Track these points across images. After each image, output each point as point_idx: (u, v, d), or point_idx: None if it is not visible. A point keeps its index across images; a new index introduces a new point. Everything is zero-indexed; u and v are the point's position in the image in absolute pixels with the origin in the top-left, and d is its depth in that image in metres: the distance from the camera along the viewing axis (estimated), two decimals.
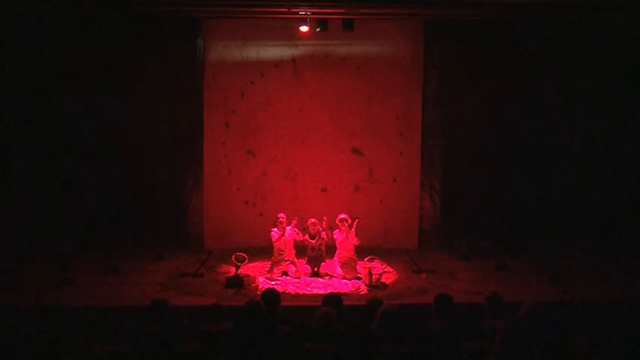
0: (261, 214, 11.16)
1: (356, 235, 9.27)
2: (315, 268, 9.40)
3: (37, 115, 10.76)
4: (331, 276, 9.29)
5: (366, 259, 9.24)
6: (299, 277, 9.18)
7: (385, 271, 9.26)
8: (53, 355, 4.86)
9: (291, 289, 8.73)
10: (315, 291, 8.69)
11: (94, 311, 7.32)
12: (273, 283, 8.95)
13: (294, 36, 10.67)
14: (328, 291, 7.85)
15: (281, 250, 9.35)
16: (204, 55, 10.97)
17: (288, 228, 9.40)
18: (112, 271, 9.43)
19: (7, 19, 9.81)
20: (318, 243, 9.35)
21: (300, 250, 9.60)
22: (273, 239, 9.37)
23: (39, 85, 10.70)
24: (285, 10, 9.32)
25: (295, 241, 9.46)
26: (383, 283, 9.02)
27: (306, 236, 9.41)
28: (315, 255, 9.39)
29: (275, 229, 9.43)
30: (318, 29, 10.00)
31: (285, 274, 9.30)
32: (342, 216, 9.30)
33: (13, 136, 10.76)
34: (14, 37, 10.37)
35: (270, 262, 9.57)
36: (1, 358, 4.94)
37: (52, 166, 10.77)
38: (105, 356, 4.95)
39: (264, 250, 10.20)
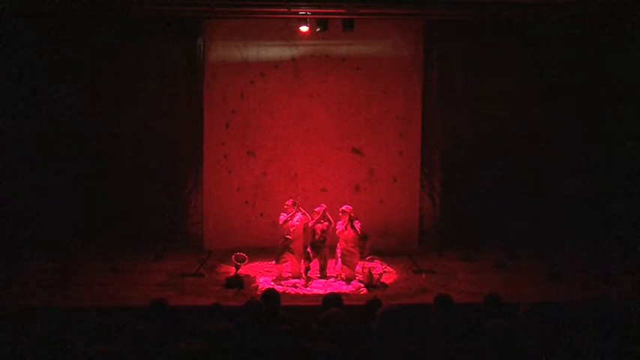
0: (261, 214, 11.16)
1: (356, 229, 9.09)
2: (316, 259, 9.32)
3: (38, 116, 10.76)
4: (335, 277, 9.25)
5: (366, 259, 9.23)
6: (298, 278, 9.15)
7: (385, 271, 9.26)
8: (53, 355, 4.86)
9: (291, 290, 8.74)
10: (315, 291, 8.69)
11: (94, 311, 7.34)
12: (272, 283, 8.97)
13: (294, 36, 10.67)
14: (328, 291, 7.85)
15: (287, 235, 9.18)
16: (204, 55, 10.97)
17: (299, 214, 9.21)
18: (112, 271, 9.44)
19: (7, 18, 9.80)
20: (320, 228, 9.23)
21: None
22: (280, 222, 9.25)
23: (38, 85, 10.69)
24: (285, 10, 9.33)
25: (305, 228, 9.27)
26: (383, 283, 9.02)
27: (312, 222, 9.26)
28: (318, 241, 9.28)
29: (283, 214, 9.26)
30: (318, 29, 9.99)
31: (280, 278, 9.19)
32: (344, 208, 9.21)
33: (13, 136, 10.75)
34: (14, 37, 10.36)
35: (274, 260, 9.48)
36: (1, 358, 4.94)
37: (52, 166, 10.77)
38: (105, 356, 4.95)
39: (264, 250, 10.23)
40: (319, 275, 9.36)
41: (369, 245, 9.92)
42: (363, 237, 9.32)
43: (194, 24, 10.80)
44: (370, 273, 8.95)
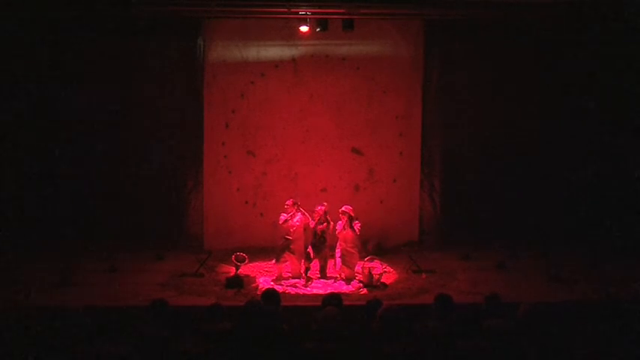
0: (261, 214, 11.16)
1: (355, 229, 9.08)
2: (316, 259, 9.32)
3: (37, 115, 10.77)
4: (335, 278, 9.24)
5: (366, 259, 9.23)
6: (297, 278, 9.15)
7: (385, 271, 9.26)
8: (53, 355, 4.87)
9: (291, 290, 8.74)
10: (315, 291, 8.70)
11: (94, 311, 7.33)
12: (272, 283, 8.98)
13: (294, 36, 10.67)
14: (328, 291, 7.85)
15: (287, 235, 9.19)
16: (204, 55, 10.97)
17: (299, 214, 9.22)
18: (112, 271, 9.44)
19: (8, 17, 9.80)
20: (320, 229, 9.23)
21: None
22: (280, 222, 9.25)
23: (39, 85, 10.70)
24: (285, 10, 9.34)
25: (306, 228, 9.27)
26: (383, 283, 9.02)
27: (313, 222, 9.24)
28: (319, 241, 9.29)
29: (284, 214, 9.26)
30: (318, 29, 10.00)
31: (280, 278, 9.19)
32: (344, 208, 9.21)
33: (13, 135, 10.75)
34: (14, 36, 10.36)
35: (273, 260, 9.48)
36: (1, 358, 4.94)
37: (52, 165, 10.77)
38: (105, 356, 4.95)
39: (264, 250, 10.23)
40: (319, 275, 9.36)
41: (373, 244, 9.83)
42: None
43: (194, 24, 10.80)
44: (370, 273, 8.95)
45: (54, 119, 10.82)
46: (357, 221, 9.13)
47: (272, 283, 8.98)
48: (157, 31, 10.66)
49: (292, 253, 9.16)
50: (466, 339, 5.07)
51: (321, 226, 9.20)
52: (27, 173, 10.78)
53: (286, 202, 9.27)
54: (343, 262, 9.12)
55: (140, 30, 10.54)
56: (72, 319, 5.82)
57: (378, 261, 9.28)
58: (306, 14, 9.62)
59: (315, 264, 9.40)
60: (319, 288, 8.84)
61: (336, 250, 9.22)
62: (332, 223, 9.23)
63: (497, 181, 11.20)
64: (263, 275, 9.48)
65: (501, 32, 10.71)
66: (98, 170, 10.92)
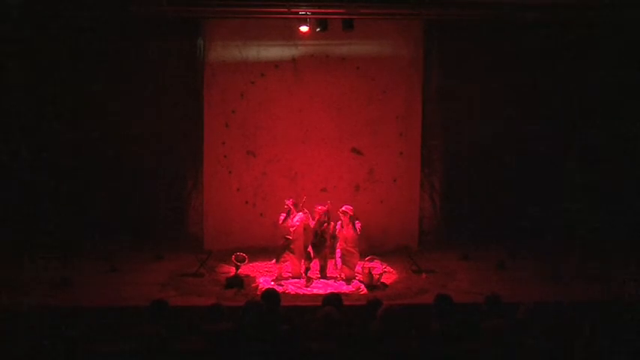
0: (261, 214, 11.16)
1: (355, 229, 9.08)
2: (316, 259, 9.32)
3: (37, 115, 10.77)
4: (335, 278, 9.24)
5: (366, 259, 9.23)
6: (297, 277, 9.15)
7: (385, 271, 9.26)
8: (53, 355, 4.87)
9: (291, 289, 8.74)
10: (315, 291, 8.70)
11: (94, 311, 7.34)
12: (272, 283, 8.97)
13: (294, 36, 10.66)
14: (328, 291, 7.86)
15: (287, 235, 9.20)
16: (204, 55, 10.96)
17: (299, 214, 9.23)
18: (112, 271, 9.44)
19: (8, 17, 9.80)
20: (321, 229, 9.23)
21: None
22: (280, 222, 9.27)
23: (39, 84, 10.70)
24: (285, 10, 9.33)
25: (306, 228, 9.27)
26: (383, 283, 9.02)
27: (314, 222, 9.26)
28: (319, 241, 9.29)
29: (284, 214, 9.28)
30: (318, 29, 10.00)
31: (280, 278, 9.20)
32: (344, 208, 9.21)
33: (13, 135, 10.75)
34: (15, 37, 10.36)
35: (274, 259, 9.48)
36: (1, 358, 4.95)
37: (52, 165, 10.77)
38: (105, 356, 4.96)
39: (264, 250, 10.22)
40: (319, 275, 9.36)
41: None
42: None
43: (194, 24, 10.80)
44: (370, 273, 8.95)
45: (53, 119, 10.81)
46: (357, 221, 9.13)
47: (272, 283, 8.98)
48: (156, 31, 10.66)
49: (292, 253, 9.17)
50: (466, 339, 5.08)
51: (322, 227, 9.20)
52: (26, 173, 10.77)
53: (286, 202, 9.28)
54: (343, 262, 9.12)
55: (140, 30, 10.55)
56: (72, 319, 5.83)
57: (378, 261, 9.28)
58: (306, 14, 9.61)
59: (315, 264, 9.40)
60: (319, 288, 8.84)
61: (337, 250, 9.22)
62: (332, 223, 9.24)
63: (498, 181, 11.20)
64: (263, 275, 9.47)
65: (501, 32, 10.71)
66: (98, 170, 10.92)
